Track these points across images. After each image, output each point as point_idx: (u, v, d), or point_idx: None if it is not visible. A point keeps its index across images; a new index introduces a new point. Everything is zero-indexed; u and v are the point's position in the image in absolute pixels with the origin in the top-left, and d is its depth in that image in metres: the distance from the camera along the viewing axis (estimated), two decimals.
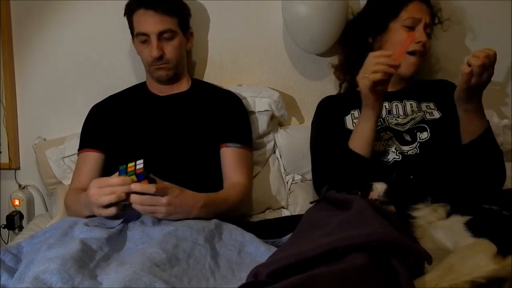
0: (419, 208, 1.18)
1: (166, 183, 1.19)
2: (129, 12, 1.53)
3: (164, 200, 1.15)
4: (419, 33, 1.49)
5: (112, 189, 1.14)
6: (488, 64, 1.18)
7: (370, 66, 1.24)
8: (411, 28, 1.50)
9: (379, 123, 1.47)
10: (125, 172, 1.14)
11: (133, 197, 1.13)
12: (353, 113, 1.53)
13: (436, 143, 1.41)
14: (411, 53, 1.50)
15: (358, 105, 1.53)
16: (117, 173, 1.17)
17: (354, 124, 1.50)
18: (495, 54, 1.18)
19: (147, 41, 1.49)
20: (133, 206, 1.14)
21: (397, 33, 1.52)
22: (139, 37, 1.50)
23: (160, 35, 1.47)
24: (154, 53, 1.47)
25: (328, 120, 1.56)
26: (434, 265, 0.94)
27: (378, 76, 1.23)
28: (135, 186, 1.12)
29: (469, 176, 1.31)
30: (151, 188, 1.13)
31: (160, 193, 1.14)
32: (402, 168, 1.38)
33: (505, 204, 1.21)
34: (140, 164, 1.15)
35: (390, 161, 1.41)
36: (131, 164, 1.16)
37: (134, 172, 1.13)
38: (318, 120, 1.61)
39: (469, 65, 1.18)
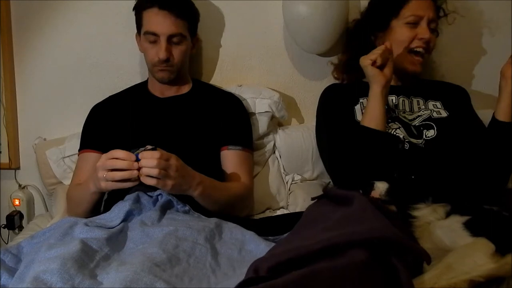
0: (419, 208, 1.18)
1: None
2: (140, 8, 1.49)
3: (173, 161, 1.18)
4: (422, 30, 1.48)
5: (118, 163, 1.17)
6: None
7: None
8: (414, 24, 1.49)
9: (389, 113, 1.46)
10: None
11: (144, 162, 1.15)
12: (362, 102, 1.51)
13: (442, 141, 1.41)
14: (415, 52, 1.50)
15: (366, 93, 1.47)
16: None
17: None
18: None
19: (155, 41, 1.46)
20: (143, 178, 1.16)
21: (399, 31, 1.51)
22: (147, 36, 1.47)
23: (170, 38, 1.46)
24: (162, 55, 1.45)
25: (337, 109, 1.53)
26: (432, 264, 0.94)
27: (374, 56, 1.35)
28: (143, 155, 1.16)
29: (487, 156, 1.37)
30: (156, 153, 1.16)
31: (164, 157, 1.17)
32: (407, 160, 1.37)
33: (506, 205, 1.22)
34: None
35: (399, 148, 1.40)
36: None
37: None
38: (326, 108, 1.58)
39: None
